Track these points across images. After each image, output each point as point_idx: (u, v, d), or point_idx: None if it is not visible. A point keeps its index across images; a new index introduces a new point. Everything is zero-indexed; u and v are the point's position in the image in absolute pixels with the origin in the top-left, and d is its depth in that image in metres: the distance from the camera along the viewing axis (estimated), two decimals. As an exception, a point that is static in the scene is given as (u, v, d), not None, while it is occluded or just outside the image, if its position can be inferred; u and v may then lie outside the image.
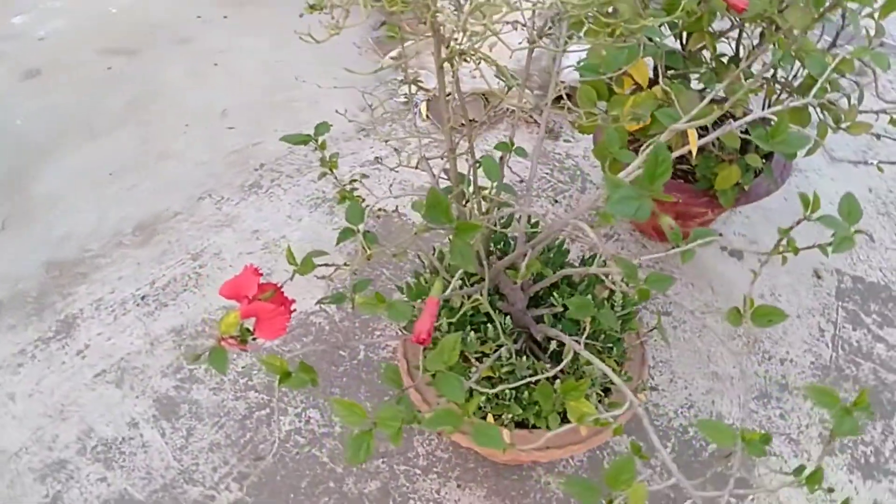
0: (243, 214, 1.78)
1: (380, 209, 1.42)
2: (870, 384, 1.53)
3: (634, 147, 1.35)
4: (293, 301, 1.00)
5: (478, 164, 1.03)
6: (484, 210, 1.08)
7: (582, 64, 0.97)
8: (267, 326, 0.97)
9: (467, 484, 1.31)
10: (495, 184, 1.03)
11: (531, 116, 2.07)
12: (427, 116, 2.07)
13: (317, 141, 1.20)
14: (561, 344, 1.07)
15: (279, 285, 0.99)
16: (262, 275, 0.99)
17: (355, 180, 1.11)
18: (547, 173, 1.94)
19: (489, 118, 2.06)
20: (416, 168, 1.15)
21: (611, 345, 1.11)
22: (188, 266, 1.65)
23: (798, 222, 0.76)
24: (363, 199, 1.19)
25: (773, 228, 1.82)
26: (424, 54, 2.22)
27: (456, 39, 0.90)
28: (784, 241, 0.84)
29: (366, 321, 1.56)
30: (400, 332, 1.19)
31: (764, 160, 1.47)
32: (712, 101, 1.39)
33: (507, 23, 0.89)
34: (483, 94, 2.10)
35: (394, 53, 2.20)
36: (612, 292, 1.11)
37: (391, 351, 1.51)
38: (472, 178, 1.04)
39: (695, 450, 1.39)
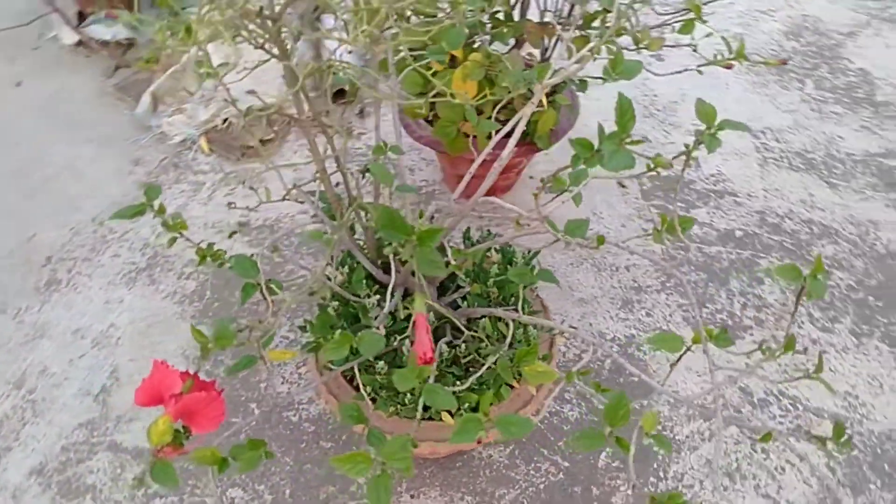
0: (53, 318, 1.55)
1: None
2: (700, 261, 1.73)
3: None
4: (214, 381, 0.91)
5: (364, 173, 0.99)
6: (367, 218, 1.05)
7: (430, 49, 0.96)
8: (204, 418, 0.88)
9: (419, 490, 1.29)
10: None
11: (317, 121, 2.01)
12: (210, 150, 1.94)
13: (153, 207, 1.09)
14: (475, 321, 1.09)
15: (194, 373, 0.90)
16: (168, 366, 0.89)
17: (235, 232, 1.02)
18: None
19: (279, 132, 1.98)
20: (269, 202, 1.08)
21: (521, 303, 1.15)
22: (15, 397, 1.41)
23: (700, 135, 0.83)
24: (224, 253, 1.10)
25: (567, 158, 1.96)
26: (179, 87, 2.07)
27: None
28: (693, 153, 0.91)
29: (245, 378, 1.45)
30: (309, 374, 1.12)
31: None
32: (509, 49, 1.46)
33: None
34: (261, 111, 2.01)
35: (148, 95, 2.02)
36: (508, 256, 1.13)
37: (284, 397, 1.42)
38: (348, 189, 1.00)
39: (595, 371, 1.49)
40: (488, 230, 1.21)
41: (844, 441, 0.70)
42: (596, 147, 0.71)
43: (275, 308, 0.93)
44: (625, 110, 0.63)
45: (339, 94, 2.02)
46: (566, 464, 1.34)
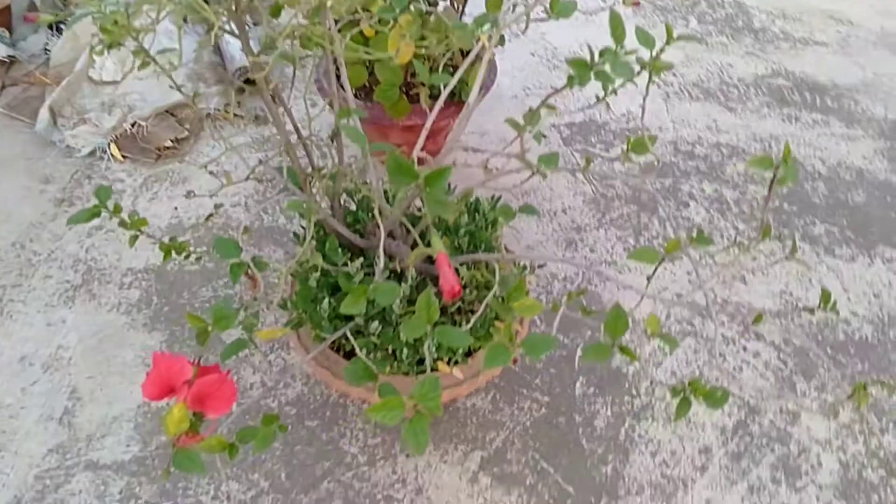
0: (-7, 350, 1.47)
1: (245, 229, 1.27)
2: (628, 194, 1.82)
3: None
4: (217, 364, 0.91)
5: (333, 137, 0.99)
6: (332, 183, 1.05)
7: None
8: (218, 400, 0.88)
9: (412, 451, 1.31)
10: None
11: (231, 114, 1.97)
12: (123, 156, 1.86)
13: (107, 207, 1.05)
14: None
15: (197, 360, 0.89)
16: (170, 356, 0.88)
17: (211, 215, 1.00)
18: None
19: (192, 129, 1.92)
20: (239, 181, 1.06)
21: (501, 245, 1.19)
22: (-30, 436, 1.33)
23: (647, 62, 0.87)
24: (189, 245, 1.08)
25: (488, 116, 2.00)
26: (76, 98, 1.97)
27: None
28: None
29: (214, 374, 1.42)
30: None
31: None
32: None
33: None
34: (167, 111, 1.94)
35: (45, 110, 1.91)
36: (473, 205, 1.17)
37: (258, 387, 1.40)
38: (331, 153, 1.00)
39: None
40: (448, 184, 1.24)
41: (832, 305, 0.78)
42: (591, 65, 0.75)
43: (262, 284, 0.93)
44: (616, 25, 0.68)
45: (247, 84, 1.98)
46: (546, 398, 1.39)
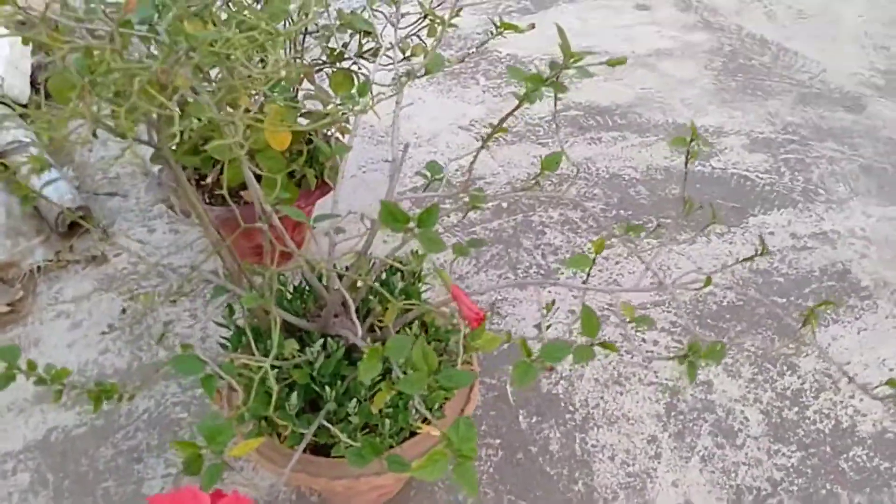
0: None
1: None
2: (492, 237, 1.92)
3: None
4: (218, 490, 0.85)
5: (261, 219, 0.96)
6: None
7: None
8: (240, 522, 0.82)
9: None
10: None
11: (64, 261, 1.81)
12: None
13: (20, 368, 0.95)
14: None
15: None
16: (172, 494, 0.81)
17: (164, 335, 0.92)
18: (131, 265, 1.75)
19: (26, 288, 1.73)
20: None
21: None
22: None
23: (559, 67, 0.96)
24: (117, 388, 0.99)
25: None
26: None
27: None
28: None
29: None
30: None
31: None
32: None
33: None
34: None
35: None
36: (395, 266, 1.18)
37: None
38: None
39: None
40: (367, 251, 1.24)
41: (765, 249, 0.90)
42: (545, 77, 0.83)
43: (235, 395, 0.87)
44: (563, 35, 0.77)
45: (72, 227, 1.84)
46: (497, 440, 1.41)
